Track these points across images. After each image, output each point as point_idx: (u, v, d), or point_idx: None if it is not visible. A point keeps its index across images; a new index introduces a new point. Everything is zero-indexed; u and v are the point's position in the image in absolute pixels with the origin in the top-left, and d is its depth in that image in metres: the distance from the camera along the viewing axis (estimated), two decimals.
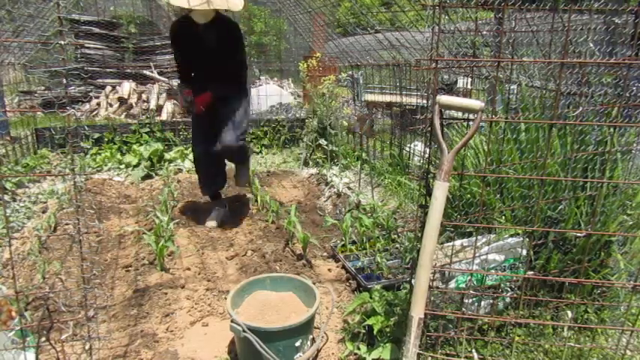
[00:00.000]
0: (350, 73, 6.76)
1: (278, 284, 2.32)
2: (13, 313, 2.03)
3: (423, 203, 1.65)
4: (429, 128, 1.60)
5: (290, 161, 5.95)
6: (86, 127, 5.78)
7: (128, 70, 9.14)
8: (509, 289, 2.11)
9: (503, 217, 2.29)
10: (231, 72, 3.52)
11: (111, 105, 8.25)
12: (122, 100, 8.27)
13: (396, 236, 3.15)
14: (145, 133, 5.98)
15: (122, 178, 5.18)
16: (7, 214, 3.65)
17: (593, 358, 1.97)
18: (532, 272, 2.05)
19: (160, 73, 9.15)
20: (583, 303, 2.11)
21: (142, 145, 5.72)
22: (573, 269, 2.07)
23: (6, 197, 4.07)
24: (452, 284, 2.05)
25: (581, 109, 2.11)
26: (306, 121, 5.88)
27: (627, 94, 2.04)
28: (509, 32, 2.75)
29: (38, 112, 7.30)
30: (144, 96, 8.38)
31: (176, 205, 4.18)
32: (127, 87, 8.48)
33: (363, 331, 2.13)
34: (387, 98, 6.21)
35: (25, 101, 8.03)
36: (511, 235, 2.15)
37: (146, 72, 9.07)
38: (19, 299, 1.81)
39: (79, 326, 2.25)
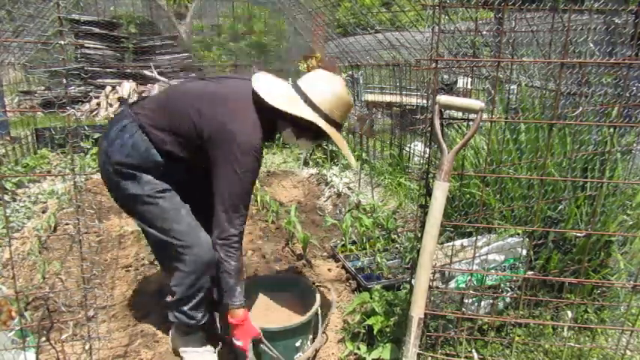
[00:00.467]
0: (350, 73, 6.76)
1: (278, 284, 2.32)
2: (13, 313, 2.03)
3: (423, 203, 1.65)
4: (429, 128, 1.60)
5: (290, 161, 5.95)
6: (86, 127, 5.78)
7: (128, 70, 9.14)
8: (509, 289, 2.11)
9: (504, 217, 2.29)
10: None
11: (111, 105, 8.25)
12: (122, 100, 8.27)
13: (396, 236, 3.15)
14: None
15: None
16: (7, 214, 3.65)
17: (593, 358, 1.97)
18: (532, 272, 2.05)
19: (160, 73, 9.16)
20: (583, 303, 2.11)
21: None
22: (573, 269, 2.07)
23: (6, 197, 4.07)
24: (452, 284, 2.05)
25: (581, 109, 2.11)
26: None
27: (627, 94, 2.05)
28: (509, 32, 2.76)
29: (38, 112, 7.30)
30: (144, 96, 8.39)
31: None
32: (127, 87, 8.49)
33: (363, 331, 2.13)
34: (387, 98, 6.21)
35: (25, 101, 8.03)
36: (511, 235, 2.15)
37: (146, 72, 9.07)
38: (19, 299, 1.81)
39: (79, 326, 2.25)
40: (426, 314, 1.62)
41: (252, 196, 4.46)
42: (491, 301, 2.06)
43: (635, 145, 2.21)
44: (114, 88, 8.60)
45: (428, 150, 1.64)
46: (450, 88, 5.23)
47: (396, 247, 3.03)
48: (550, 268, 2.11)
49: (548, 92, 2.53)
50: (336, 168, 5.26)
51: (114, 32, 9.24)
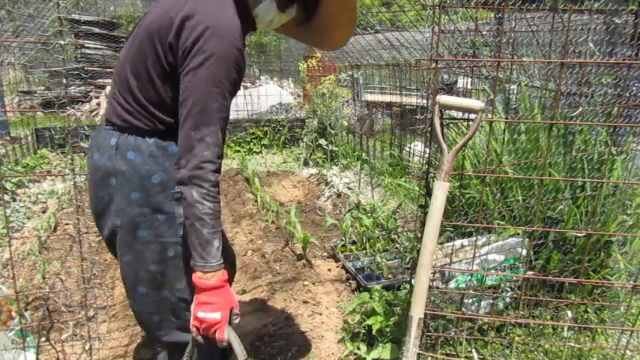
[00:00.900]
0: (350, 73, 6.76)
1: None
2: (13, 313, 2.03)
3: (423, 203, 1.65)
4: (429, 128, 1.60)
5: (290, 161, 5.95)
6: (86, 127, 5.78)
7: None
8: (509, 289, 2.11)
9: (503, 218, 2.29)
10: None
11: None
12: None
13: (396, 236, 3.15)
14: None
15: None
16: (7, 214, 3.65)
17: (593, 358, 1.97)
18: (532, 272, 2.05)
19: None
20: (583, 303, 2.11)
21: None
22: (573, 269, 2.07)
23: (6, 197, 4.07)
24: (452, 284, 2.05)
25: (580, 109, 2.11)
26: (306, 121, 5.88)
27: (627, 94, 2.05)
28: (509, 32, 2.76)
29: (38, 112, 7.30)
30: None
31: None
32: None
33: (363, 331, 2.13)
34: (387, 98, 6.21)
35: (25, 101, 8.03)
36: (511, 235, 2.15)
37: None
38: (19, 299, 1.81)
39: (79, 326, 2.25)
40: (426, 314, 1.62)
41: (252, 195, 4.50)
42: (491, 301, 2.06)
43: (635, 145, 2.21)
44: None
45: (428, 150, 1.64)
46: (450, 88, 5.23)
47: (396, 247, 3.03)
48: (550, 268, 2.11)
49: (548, 92, 2.53)
50: (336, 168, 5.26)
51: (114, 32, 9.24)
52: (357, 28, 5.88)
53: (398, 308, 2.07)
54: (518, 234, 2.16)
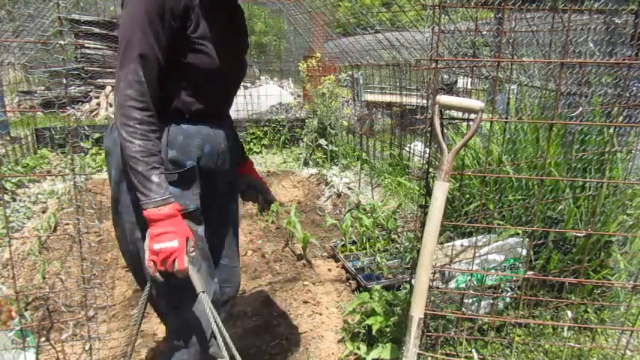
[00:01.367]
0: (350, 73, 6.76)
1: None
2: (13, 313, 2.03)
3: (423, 203, 1.65)
4: (429, 128, 1.60)
5: (290, 161, 5.95)
6: (86, 127, 5.79)
7: None
8: (509, 289, 2.11)
9: (503, 218, 2.29)
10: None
11: (111, 105, 8.25)
12: None
13: (396, 236, 3.15)
14: None
15: None
16: (7, 214, 3.65)
17: (593, 358, 1.97)
18: (532, 272, 2.05)
19: None
20: (583, 303, 2.11)
21: None
22: (573, 269, 2.07)
23: (6, 197, 4.07)
24: (452, 284, 2.05)
25: (580, 109, 2.12)
26: (306, 121, 5.89)
27: (627, 94, 2.05)
28: (509, 32, 2.75)
29: (38, 112, 7.30)
30: None
31: None
32: None
33: (363, 331, 2.13)
34: (387, 98, 6.21)
35: (25, 101, 8.03)
36: (511, 235, 2.15)
37: None
38: (19, 299, 1.81)
39: (79, 326, 2.25)
40: (426, 314, 1.62)
41: None
42: (491, 301, 2.06)
43: (635, 144, 2.21)
44: (114, 88, 8.61)
45: (428, 150, 1.64)
46: (450, 88, 5.23)
47: (396, 247, 3.03)
48: (550, 268, 2.11)
49: (548, 92, 2.53)
50: (336, 168, 5.26)
51: (114, 32, 9.23)
52: (357, 28, 5.88)
53: (398, 308, 2.07)
54: (518, 234, 2.16)
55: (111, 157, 1.33)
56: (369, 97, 6.67)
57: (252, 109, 7.26)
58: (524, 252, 2.07)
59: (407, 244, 2.90)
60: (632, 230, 2.13)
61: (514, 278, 2.06)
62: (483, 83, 4.09)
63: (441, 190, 1.50)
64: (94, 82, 8.77)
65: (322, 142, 5.48)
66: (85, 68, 8.66)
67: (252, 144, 6.50)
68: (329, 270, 2.98)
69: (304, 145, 5.78)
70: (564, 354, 1.89)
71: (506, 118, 2.36)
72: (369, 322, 2.02)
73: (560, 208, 2.16)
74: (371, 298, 2.14)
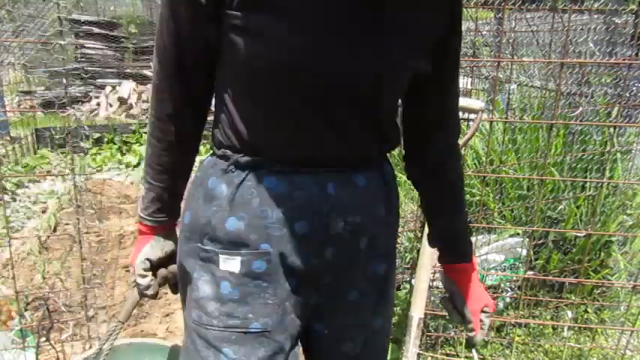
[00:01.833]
0: None
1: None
2: (13, 313, 2.03)
3: None
4: None
5: None
6: (86, 127, 5.79)
7: (128, 70, 9.14)
8: (509, 289, 2.11)
9: (503, 217, 2.29)
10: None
11: (111, 105, 8.25)
12: (122, 100, 8.27)
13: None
14: (145, 133, 5.99)
15: (122, 178, 5.18)
16: (7, 214, 3.65)
17: (593, 358, 1.97)
18: (532, 272, 2.05)
19: None
20: (583, 303, 2.11)
21: (142, 145, 5.73)
22: (573, 269, 2.07)
23: (6, 197, 4.07)
24: None
25: (580, 109, 2.12)
26: None
27: (627, 94, 2.05)
28: (509, 32, 2.76)
29: (38, 112, 7.31)
30: (144, 96, 8.39)
31: None
32: (127, 87, 8.49)
33: None
34: None
35: (25, 101, 8.03)
36: (511, 235, 2.15)
37: (146, 72, 9.07)
38: (19, 299, 1.81)
39: (79, 326, 2.25)
40: (426, 314, 1.62)
41: None
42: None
43: (635, 144, 2.21)
44: (114, 88, 8.60)
45: None
46: None
47: (396, 247, 3.02)
48: (550, 268, 2.11)
49: (548, 92, 2.53)
50: None
51: (114, 32, 9.24)
52: None
53: (398, 308, 2.07)
54: (518, 234, 2.16)
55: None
56: None
57: None
58: (524, 252, 2.07)
59: (407, 244, 2.90)
60: (632, 230, 2.13)
61: (514, 278, 2.06)
62: (483, 83, 4.09)
63: None
64: (94, 82, 8.77)
65: None
66: (85, 68, 8.66)
67: None
68: None
69: None
70: (564, 354, 1.89)
71: (507, 118, 2.35)
72: None
73: (560, 208, 2.17)
74: None
